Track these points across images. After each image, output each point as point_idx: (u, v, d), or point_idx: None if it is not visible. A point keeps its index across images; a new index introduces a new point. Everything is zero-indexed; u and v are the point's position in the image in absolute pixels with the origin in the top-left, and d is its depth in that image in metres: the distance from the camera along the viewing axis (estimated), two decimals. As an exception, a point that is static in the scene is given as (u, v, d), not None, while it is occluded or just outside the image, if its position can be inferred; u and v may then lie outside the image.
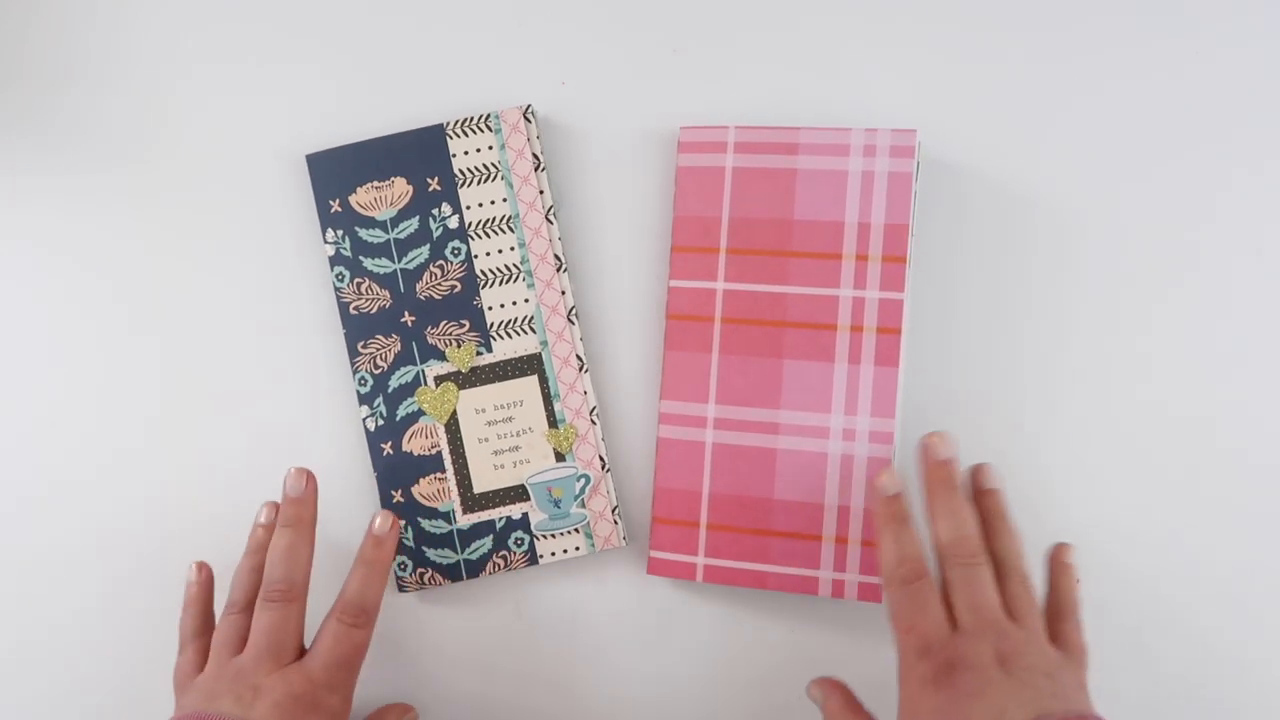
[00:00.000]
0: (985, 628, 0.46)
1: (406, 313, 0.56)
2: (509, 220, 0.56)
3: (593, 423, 0.56)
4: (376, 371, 0.56)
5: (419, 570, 0.56)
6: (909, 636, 0.46)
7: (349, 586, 0.51)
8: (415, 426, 0.56)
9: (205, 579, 0.54)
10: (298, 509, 0.52)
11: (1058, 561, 0.51)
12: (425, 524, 0.56)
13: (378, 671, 0.58)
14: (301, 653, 0.50)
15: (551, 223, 0.56)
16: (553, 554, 0.55)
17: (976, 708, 0.43)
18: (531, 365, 0.56)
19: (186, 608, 0.53)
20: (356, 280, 0.56)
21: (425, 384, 0.56)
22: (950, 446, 0.49)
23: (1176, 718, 0.55)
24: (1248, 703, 0.55)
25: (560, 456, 0.56)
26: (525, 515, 0.56)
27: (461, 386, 0.56)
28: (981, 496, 0.50)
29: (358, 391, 0.56)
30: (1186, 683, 0.55)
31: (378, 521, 0.52)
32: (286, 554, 0.50)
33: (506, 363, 0.56)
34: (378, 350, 0.56)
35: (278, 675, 0.48)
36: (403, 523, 0.55)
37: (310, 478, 0.52)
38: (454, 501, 0.56)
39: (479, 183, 0.56)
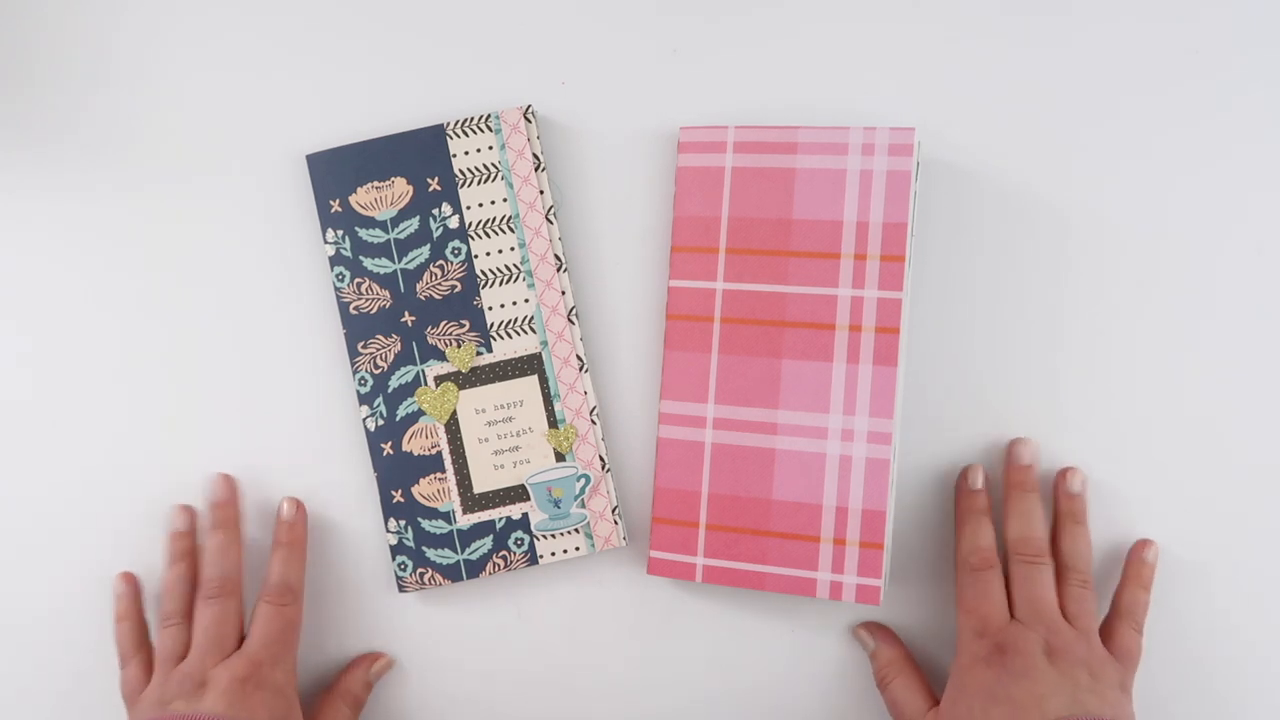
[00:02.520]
0: (1038, 621, 0.50)
1: (407, 313, 0.56)
2: (509, 220, 0.56)
3: (593, 423, 0.56)
4: (376, 371, 0.56)
5: (419, 570, 0.56)
6: (970, 617, 0.51)
7: (271, 570, 0.55)
8: (415, 426, 0.56)
9: (133, 590, 0.57)
10: (224, 511, 0.56)
11: (1134, 560, 0.53)
12: (425, 524, 0.56)
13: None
14: (242, 643, 0.54)
15: (551, 223, 0.56)
16: (553, 554, 0.55)
17: (1019, 687, 0.48)
18: (531, 365, 0.56)
19: (120, 620, 0.56)
20: (357, 280, 0.56)
21: (425, 384, 0.56)
22: (1033, 453, 0.54)
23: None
24: (1248, 702, 0.54)
25: (560, 456, 0.56)
26: (525, 515, 0.56)
27: (461, 386, 0.56)
28: (1062, 499, 0.54)
29: (358, 391, 0.56)
30: (1186, 681, 0.55)
31: (285, 508, 0.57)
32: (220, 554, 0.55)
33: (506, 363, 0.56)
34: (378, 350, 0.56)
35: (222, 665, 0.52)
36: (300, 502, 0.57)
37: (229, 480, 0.57)
38: (454, 501, 0.56)
39: (479, 183, 0.56)
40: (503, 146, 0.56)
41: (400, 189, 0.56)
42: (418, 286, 0.56)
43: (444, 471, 0.56)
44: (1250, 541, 0.54)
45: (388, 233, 0.56)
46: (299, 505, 0.57)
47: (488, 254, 0.56)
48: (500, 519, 0.56)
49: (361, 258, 0.56)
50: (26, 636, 0.58)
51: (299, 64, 0.58)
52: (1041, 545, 0.52)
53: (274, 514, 0.57)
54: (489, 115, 0.56)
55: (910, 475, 0.56)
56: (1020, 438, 0.54)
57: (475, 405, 0.56)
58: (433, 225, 0.56)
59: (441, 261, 0.56)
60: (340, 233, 0.56)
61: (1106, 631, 0.52)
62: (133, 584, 0.57)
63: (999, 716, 0.47)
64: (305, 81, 0.58)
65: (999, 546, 0.53)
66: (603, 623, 0.57)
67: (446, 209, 0.56)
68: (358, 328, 0.56)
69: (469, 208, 0.56)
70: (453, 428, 0.56)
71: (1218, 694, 0.55)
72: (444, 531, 0.56)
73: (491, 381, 0.56)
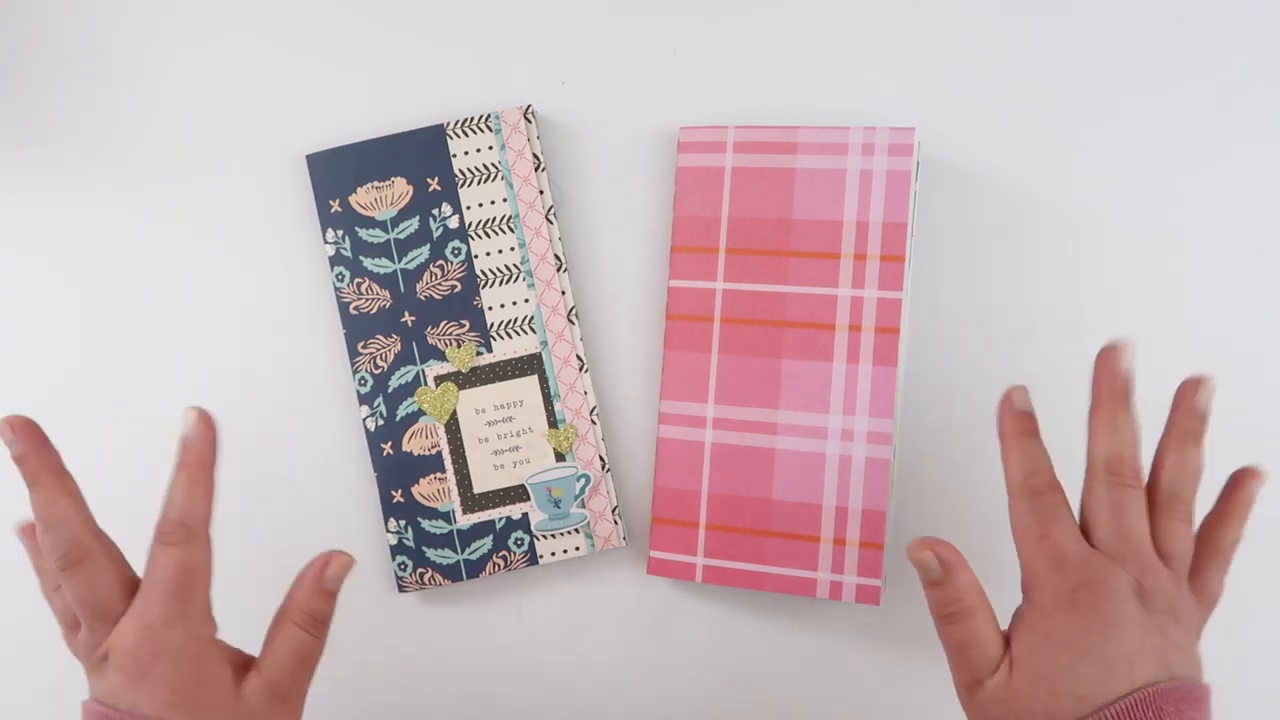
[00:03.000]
0: (1130, 555, 0.42)
1: (406, 313, 0.56)
2: (509, 220, 0.56)
3: (593, 423, 0.56)
4: (376, 371, 0.56)
5: (419, 570, 0.56)
6: (1041, 544, 0.42)
7: (165, 500, 0.44)
8: (415, 426, 0.56)
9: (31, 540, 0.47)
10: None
11: (1233, 494, 0.45)
12: (425, 524, 0.56)
13: (378, 671, 0.58)
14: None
15: (551, 223, 0.56)
16: (553, 554, 0.55)
17: (1111, 642, 0.40)
18: (531, 365, 0.56)
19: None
20: (356, 280, 0.56)
21: (425, 384, 0.56)
22: (1130, 358, 0.44)
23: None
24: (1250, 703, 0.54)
25: (560, 456, 0.56)
26: (525, 515, 0.56)
27: (461, 386, 0.56)
28: (1183, 413, 0.44)
29: (358, 391, 0.56)
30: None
31: (187, 421, 0.44)
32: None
33: (506, 363, 0.56)
34: (378, 350, 0.56)
35: (111, 636, 0.42)
36: (203, 409, 0.45)
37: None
38: (454, 501, 0.56)
39: (479, 183, 0.56)
40: (503, 146, 0.56)
41: (400, 189, 0.56)
42: (418, 286, 0.56)
43: (444, 471, 0.56)
44: (1250, 541, 0.54)
45: (388, 233, 0.56)
46: (202, 417, 0.44)
47: (488, 254, 0.56)
48: (500, 519, 0.56)
49: (361, 258, 0.56)
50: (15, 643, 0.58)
51: (299, 64, 0.58)
52: (1135, 466, 0.43)
53: (273, 515, 0.57)
54: (489, 115, 0.56)
55: (910, 475, 0.56)
56: (1117, 341, 0.44)
57: (475, 405, 0.56)
58: (433, 225, 0.56)
59: (441, 261, 0.56)
60: (340, 233, 0.56)
61: (1193, 570, 0.44)
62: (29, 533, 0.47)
63: (1088, 677, 0.40)
64: (305, 81, 0.58)
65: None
66: (603, 623, 0.57)
67: (446, 209, 0.56)
68: (358, 328, 0.56)
69: (469, 208, 0.56)
70: (453, 428, 0.56)
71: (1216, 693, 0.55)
72: (444, 531, 0.56)
73: (491, 381, 0.56)
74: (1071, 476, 0.46)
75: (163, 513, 0.43)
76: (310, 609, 0.45)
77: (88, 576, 0.43)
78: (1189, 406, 0.43)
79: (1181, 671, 0.41)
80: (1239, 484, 0.45)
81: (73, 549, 0.43)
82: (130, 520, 0.58)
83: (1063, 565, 0.42)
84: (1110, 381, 0.44)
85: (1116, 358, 0.44)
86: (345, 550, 0.47)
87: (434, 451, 0.56)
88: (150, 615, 0.42)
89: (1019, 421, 0.46)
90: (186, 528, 0.43)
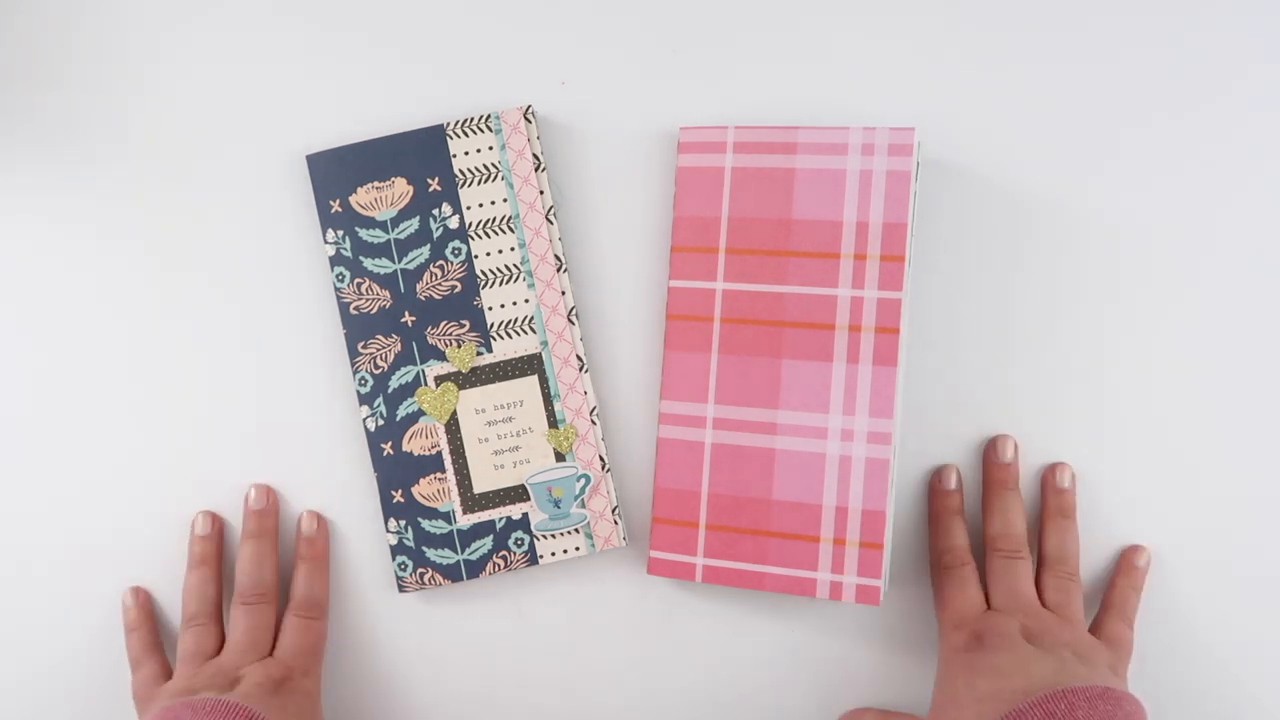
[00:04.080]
0: (1015, 608, 0.51)
1: (407, 313, 0.56)
2: (509, 220, 0.56)
3: (593, 423, 0.56)
4: (377, 372, 0.56)
5: (419, 570, 0.56)
6: (946, 612, 0.52)
7: (297, 586, 0.56)
8: (415, 426, 0.56)
9: (144, 602, 0.57)
10: (263, 521, 0.56)
11: (1125, 562, 0.54)
12: (425, 524, 0.56)
13: (378, 671, 0.58)
14: (273, 647, 0.55)
15: (551, 223, 0.56)
16: (553, 554, 0.55)
17: (1002, 658, 0.48)
18: (531, 365, 0.56)
19: (132, 631, 0.56)
20: (357, 280, 0.56)
21: (425, 384, 0.56)
22: (1012, 451, 0.54)
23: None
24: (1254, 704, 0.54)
25: (560, 456, 0.56)
26: (525, 515, 0.56)
27: (461, 386, 0.56)
28: (1051, 494, 0.54)
29: (358, 391, 0.56)
30: (1178, 682, 0.55)
31: (305, 522, 0.57)
32: (257, 562, 0.55)
33: (506, 363, 0.56)
34: (378, 350, 0.56)
35: (258, 664, 0.53)
36: (329, 521, 0.58)
37: (270, 491, 0.57)
38: (454, 502, 0.56)
39: (479, 183, 0.56)
40: (503, 146, 0.56)
41: (400, 189, 0.56)
42: (418, 286, 0.56)
43: (444, 471, 0.56)
44: (1250, 540, 0.54)
45: (388, 233, 0.56)
46: (320, 520, 0.57)
47: (488, 254, 0.56)
48: (500, 519, 0.56)
49: (361, 258, 0.56)
50: (35, 647, 0.58)
51: (299, 64, 0.58)
52: (1020, 540, 0.53)
53: (275, 522, 0.58)
54: (489, 115, 0.56)
55: (910, 475, 0.56)
56: (1000, 435, 0.54)
57: (475, 405, 0.56)
58: (433, 225, 0.56)
59: (441, 262, 0.56)
60: (340, 233, 0.56)
61: (1095, 626, 0.53)
62: (142, 596, 0.57)
63: (985, 687, 0.47)
64: (305, 81, 0.58)
65: (977, 546, 0.54)
66: (603, 623, 0.57)
67: (447, 209, 0.56)
68: (358, 328, 0.56)
69: (469, 208, 0.56)
70: (453, 428, 0.56)
71: (1210, 693, 0.55)
72: (444, 531, 0.56)
73: (491, 381, 0.56)
74: (1079, 463, 0.55)
75: (296, 594, 0.56)
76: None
77: (263, 615, 0.55)
78: (1054, 488, 0.54)
79: (1087, 682, 0.46)
80: (1125, 558, 0.54)
81: (263, 592, 0.55)
82: (128, 520, 0.58)
83: (963, 623, 0.51)
84: (996, 471, 0.54)
85: (1001, 451, 0.54)
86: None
87: (434, 451, 0.56)
88: (294, 664, 0.54)
89: (944, 500, 0.54)
90: (319, 606, 0.56)
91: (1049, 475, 0.54)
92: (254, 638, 0.54)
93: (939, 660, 0.52)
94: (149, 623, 0.57)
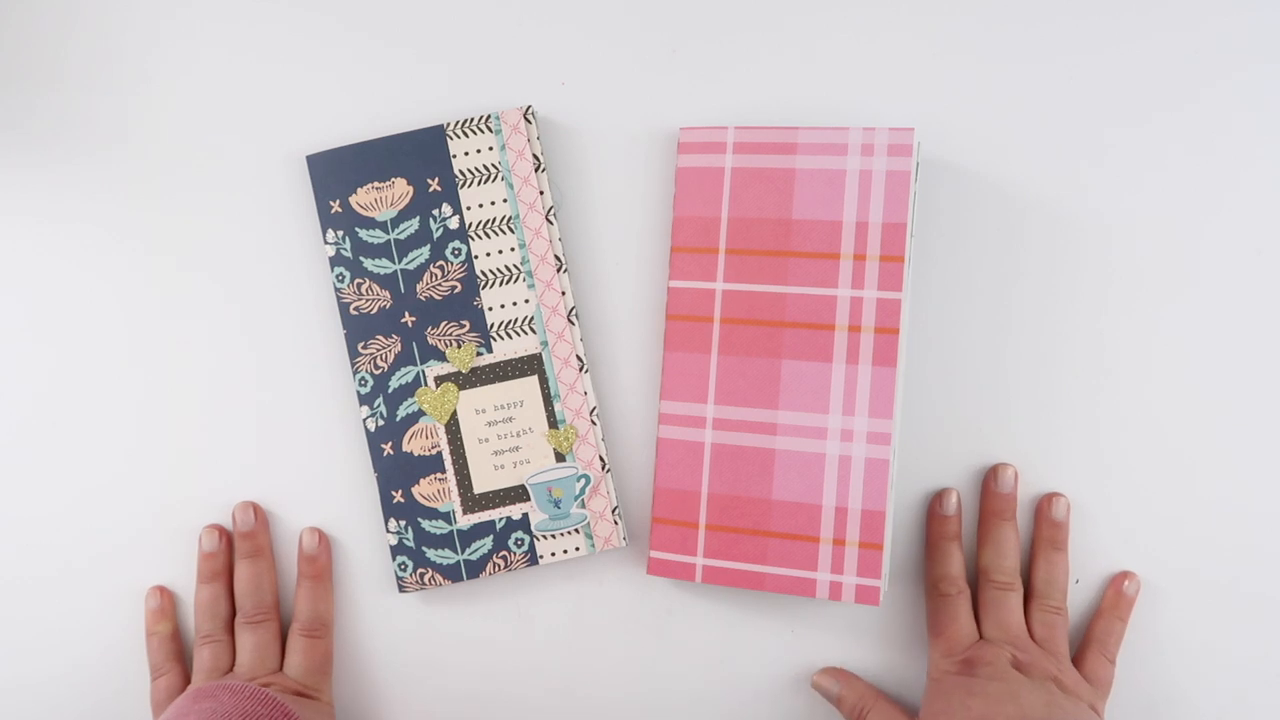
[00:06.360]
0: (1006, 640, 0.52)
1: (407, 313, 0.56)
2: (509, 221, 0.56)
3: (593, 423, 0.56)
4: (377, 372, 0.56)
5: (419, 571, 0.56)
6: (939, 639, 0.53)
7: (300, 604, 0.57)
8: (415, 427, 0.56)
9: (168, 604, 0.57)
10: (253, 541, 0.57)
11: (1113, 590, 0.54)
12: (425, 524, 0.56)
13: (378, 671, 0.58)
14: (281, 661, 0.56)
15: (551, 223, 0.56)
16: (553, 554, 0.55)
17: (994, 686, 0.49)
18: (531, 365, 0.56)
19: (152, 634, 0.57)
20: (357, 281, 0.56)
21: (425, 384, 0.56)
22: (1012, 481, 0.54)
23: None
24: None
25: (560, 457, 0.56)
26: (525, 515, 0.56)
27: (462, 387, 0.56)
28: (1044, 525, 0.54)
29: (358, 392, 0.56)
30: (1165, 708, 0.55)
31: (306, 540, 0.57)
32: (254, 583, 0.56)
33: (506, 363, 0.56)
34: (378, 351, 0.56)
35: (273, 677, 0.54)
36: (329, 537, 0.58)
37: (255, 509, 0.57)
38: (454, 502, 0.56)
39: (479, 183, 0.56)
40: (503, 147, 0.56)
41: (400, 189, 0.56)
42: (418, 287, 0.56)
43: (444, 472, 0.56)
44: (1250, 541, 0.54)
45: (388, 233, 0.56)
46: (321, 536, 0.57)
47: (488, 254, 0.56)
48: (500, 519, 0.56)
49: (362, 258, 0.56)
50: (47, 652, 0.58)
51: (299, 64, 0.58)
52: (1012, 573, 0.53)
53: (273, 516, 0.58)
54: (489, 115, 0.56)
55: (910, 475, 0.56)
56: (1000, 464, 0.54)
57: (475, 405, 0.56)
58: (433, 226, 0.56)
59: (441, 262, 0.56)
60: (340, 233, 0.56)
61: (1077, 660, 0.53)
62: (167, 598, 0.57)
63: (979, 708, 0.48)
64: (305, 81, 0.58)
65: (971, 570, 0.54)
66: (603, 623, 0.57)
67: (447, 209, 0.56)
68: (358, 328, 0.56)
69: (469, 208, 0.56)
70: (453, 428, 0.56)
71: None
72: (444, 532, 0.56)
73: (491, 382, 0.56)
74: (1078, 464, 0.55)
75: (300, 613, 0.56)
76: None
77: (268, 633, 0.56)
78: (1048, 520, 0.54)
79: (1072, 711, 0.48)
80: (1113, 585, 0.54)
81: (264, 611, 0.56)
82: (127, 520, 0.58)
83: (953, 652, 0.52)
84: (993, 501, 0.54)
85: (1001, 481, 0.54)
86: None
87: (434, 452, 0.56)
88: (304, 681, 0.55)
89: (942, 525, 0.54)
90: (323, 624, 0.56)
91: (1044, 505, 0.54)
92: (261, 655, 0.55)
93: (928, 679, 0.53)
94: (171, 627, 0.57)
